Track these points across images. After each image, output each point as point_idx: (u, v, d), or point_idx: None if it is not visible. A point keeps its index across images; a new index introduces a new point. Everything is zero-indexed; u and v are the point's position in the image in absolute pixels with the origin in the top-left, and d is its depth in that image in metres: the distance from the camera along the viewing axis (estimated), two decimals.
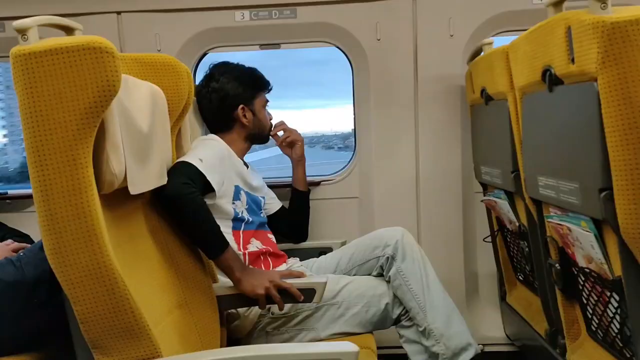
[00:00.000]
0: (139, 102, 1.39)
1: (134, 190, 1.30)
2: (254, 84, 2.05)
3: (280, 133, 2.21)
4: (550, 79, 1.31)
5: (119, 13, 2.24)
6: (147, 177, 1.41)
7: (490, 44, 1.94)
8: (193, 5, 2.24)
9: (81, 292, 1.11)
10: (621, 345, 1.32)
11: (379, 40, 2.24)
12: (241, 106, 2.00)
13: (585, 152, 1.19)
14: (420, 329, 1.78)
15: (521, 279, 2.11)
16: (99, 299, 1.12)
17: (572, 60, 1.18)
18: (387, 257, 1.84)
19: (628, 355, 1.30)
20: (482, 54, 1.99)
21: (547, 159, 1.42)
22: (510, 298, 2.17)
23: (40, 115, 1.07)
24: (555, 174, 1.36)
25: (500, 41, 1.99)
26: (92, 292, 1.11)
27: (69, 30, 1.34)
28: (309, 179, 2.29)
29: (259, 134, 2.09)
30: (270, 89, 2.12)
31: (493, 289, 2.36)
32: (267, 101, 2.12)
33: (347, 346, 1.15)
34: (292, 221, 2.22)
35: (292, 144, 2.21)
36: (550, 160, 1.40)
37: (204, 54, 2.39)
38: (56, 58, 1.07)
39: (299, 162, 2.22)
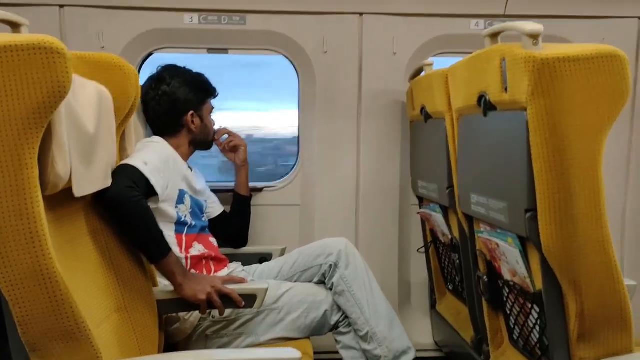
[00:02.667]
0: (86, 103, 1.37)
1: (78, 192, 1.29)
2: (203, 90, 2.05)
3: (224, 138, 2.23)
4: (485, 105, 1.41)
5: (61, 6, 2.18)
6: (91, 179, 1.39)
7: (431, 65, 2.05)
8: (141, 4, 2.21)
9: (21, 294, 1.09)
10: (540, 353, 1.43)
11: (325, 52, 2.30)
12: (191, 112, 2.00)
13: (513, 175, 1.29)
14: (362, 334, 1.84)
15: (451, 288, 2.22)
16: (39, 301, 1.10)
17: (506, 90, 1.28)
18: (330, 265, 1.89)
19: None
20: (423, 73, 2.09)
21: (479, 178, 1.52)
22: (440, 306, 2.28)
23: None
24: (486, 192, 1.46)
25: (440, 61, 2.12)
26: (33, 293, 1.09)
27: (14, 26, 1.31)
28: (251, 185, 2.31)
29: (204, 140, 2.10)
30: (217, 95, 2.13)
31: (424, 298, 2.47)
32: (213, 108, 2.13)
33: (291, 352, 1.19)
34: (233, 226, 2.23)
35: (235, 148, 2.23)
36: (482, 179, 1.50)
37: (149, 54, 2.37)
38: (4, 56, 1.05)
39: (242, 167, 2.24)
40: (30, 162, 1.08)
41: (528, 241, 1.33)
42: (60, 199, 1.30)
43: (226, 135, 2.22)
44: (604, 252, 1.18)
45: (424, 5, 2.29)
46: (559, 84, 1.14)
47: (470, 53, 2.40)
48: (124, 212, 1.52)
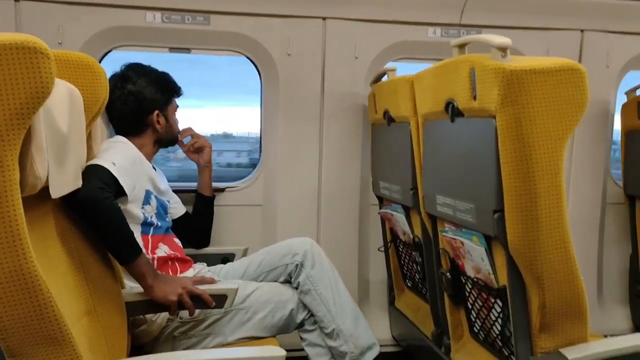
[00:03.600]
0: (58, 102, 1.34)
1: (55, 193, 1.26)
2: (169, 90, 2.04)
3: (187, 139, 2.22)
4: (453, 111, 1.49)
5: (17, 0, 2.11)
6: (65, 180, 1.36)
7: (394, 70, 2.12)
8: (101, 0, 2.17)
9: (3, 299, 1.07)
10: (501, 344, 1.53)
11: (289, 55, 2.34)
12: (157, 112, 1.99)
13: (481, 178, 1.37)
14: (327, 331, 1.88)
15: (410, 285, 2.31)
16: (21, 305, 1.08)
17: (474, 98, 1.36)
18: (296, 265, 1.93)
19: (506, 354, 1.51)
20: (386, 78, 2.16)
21: (446, 180, 1.60)
22: (399, 303, 2.36)
23: None
24: (453, 194, 1.55)
25: (400, 67, 2.20)
26: (14, 298, 1.07)
27: None
28: (213, 185, 2.31)
29: (169, 139, 2.09)
30: (181, 94, 2.12)
31: (382, 295, 2.55)
32: (177, 106, 2.12)
33: (275, 350, 1.22)
34: (195, 226, 2.23)
35: (199, 149, 2.22)
36: (449, 182, 1.58)
37: (108, 51, 2.32)
38: None
39: (205, 168, 2.24)
40: (12, 164, 1.06)
41: (493, 240, 1.42)
42: (30, 201, 1.27)
43: (190, 137, 2.22)
44: (565, 249, 1.28)
45: (384, 12, 2.36)
46: (526, 94, 1.23)
47: (428, 59, 2.54)
48: (96, 213, 1.50)
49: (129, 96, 1.96)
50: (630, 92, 2.56)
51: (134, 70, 1.99)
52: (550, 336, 1.34)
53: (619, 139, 2.64)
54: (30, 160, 1.13)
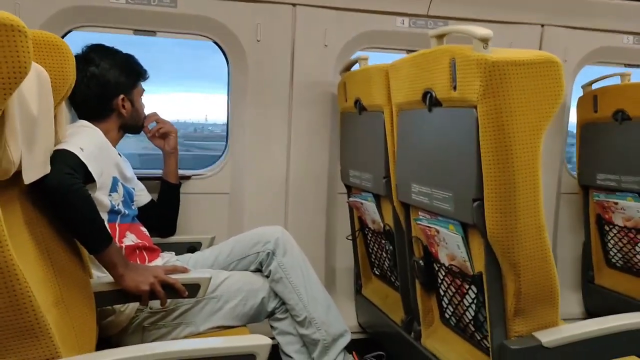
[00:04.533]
0: (28, 83, 1.27)
1: (27, 178, 1.20)
2: (135, 73, 1.97)
3: (152, 125, 2.16)
4: (431, 101, 1.50)
5: None
6: (34, 165, 1.30)
7: (366, 59, 2.13)
8: None
9: None
10: (473, 329, 1.57)
11: (258, 41, 2.30)
12: (122, 96, 1.92)
13: (461, 167, 1.40)
14: (299, 319, 1.88)
15: (377, 273, 2.34)
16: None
17: (454, 88, 1.38)
18: (268, 253, 1.91)
19: (478, 338, 1.56)
20: (358, 66, 2.16)
21: (422, 169, 1.63)
22: (366, 291, 2.39)
23: None
24: (430, 182, 1.57)
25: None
26: None
27: None
28: (179, 172, 2.26)
29: (134, 125, 2.03)
30: (147, 78, 2.05)
31: (348, 283, 2.57)
32: (144, 90, 2.05)
33: (261, 339, 1.21)
34: (161, 214, 2.18)
35: (165, 135, 2.17)
36: (425, 171, 1.61)
37: (68, 32, 2.22)
38: None
39: (171, 154, 2.18)
40: None
41: (470, 227, 1.46)
42: None
43: (155, 122, 2.15)
44: (540, 237, 1.33)
45: (354, 0, 2.36)
46: (506, 85, 1.26)
47: (396, 49, 2.55)
48: (65, 200, 1.44)
49: (92, 79, 1.88)
50: (586, 86, 2.66)
51: (96, 52, 1.91)
52: (524, 320, 1.39)
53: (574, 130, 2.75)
54: (4, 143, 1.08)
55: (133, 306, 1.74)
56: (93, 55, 1.90)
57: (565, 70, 2.60)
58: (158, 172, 2.25)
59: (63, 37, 2.20)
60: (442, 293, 1.72)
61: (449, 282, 1.65)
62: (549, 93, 1.29)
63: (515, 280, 1.35)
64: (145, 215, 2.09)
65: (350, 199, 2.29)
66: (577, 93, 2.76)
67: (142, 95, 2.04)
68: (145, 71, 2.03)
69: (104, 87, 1.89)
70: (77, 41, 2.08)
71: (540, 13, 2.58)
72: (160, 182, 2.21)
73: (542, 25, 2.61)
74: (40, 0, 2.06)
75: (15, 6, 2.02)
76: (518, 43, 2.58)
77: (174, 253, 2.03)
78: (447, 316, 1.73)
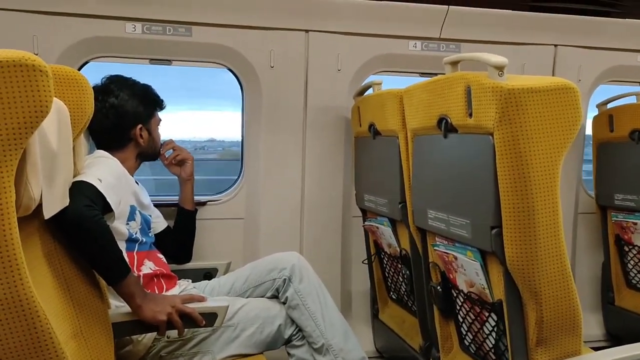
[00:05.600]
0: (48, 119, 1.29)
1: (47, 213, 1.22)
2: (152, 103, 2.00)
3: (169, 152, 2.18)
4: (446, 127, 1.50)
5: None
6: (54, 199, 1.31)
7: (380, 84, 2.13)
8: (80, 10, 2.10)
9: None
10: (494, 358, 1.55)
11: (272, 67, 2.32)
12: (139, 126, 1.94)
13: (478, 194, 1.39)
14: (316, 347, 1.87)
15: (394, 298, 2.32)
16: (18, 334, 1.03)
17: (470, 115, 1.38)
18: (284, 279, 1.91)
19: None
20: (371, 91, 2.17)
21: (439, 195, 1.62)
22: (383, 315, 2.36)
23: None
24: (447, 209, 1.56)
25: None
26: (11, 326, 1.02)
27: None
28: (194, 198, 2.27)
29: (151, 153, 2.05)
30: (164, 108, 2.08)
31: (365, 307, 2.55)
32: (160, 120, 2.07)
33: None
34: (177, 241, 2.18)
35: (181, 162, 2.18)
36: (442, 197, 1.60)
37: (85, 62, 2.26)
38: None
39: (187, 181, 2.20)
40: (8, 185, 1.01)
41: (488, 254, 1.44)
42: (18, 222, 1.22)
43: (171, 150, 2.17)
44: (561, 265, 1.31)
45: (366, 25, 2.38)
46: (523, 112, 1.26)
47: (409, 72, 2.56)
48: (84, 232, 1.45)
49: (110, 110, 1.90)
50: (601, 105, 2.65)
51: (115, 83, 1.94)
52: (546, 350, 1.36)
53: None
54: (25, 180, 1.09)
55: (150, 335, 1.74)
56: (112, 86, 1.93)
57: (579, 90, 2.65)
58: (173, 198, 2.26)
59: (81, 67, 2.24)
60: (460, 320, 1.70)
61: (467, 309, 1.63)
62: (567, 119, 1.28)
63: (536, 309, 1.33)
64: (162, 241, 2.10)
65: (366, 223, 2.28)
66: (592, 112, 2.74)
67: (159, 124, 2.06)
68: (162, 101, 2.05)
69: (123, 117, 1.91)
70: (96, 71, 2.12)
71: (553, 33, 2.58)
72: (177, 209, 2.22)
73: (556, 46, 2.61)
74: (58, 32, 2.10)
75: (33, 38, 2.06)
76: (531, 64, 2.58)
77: (190, 280, 2.03)
78: (467, 343, 1.70)
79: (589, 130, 2.72)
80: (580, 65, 2.62)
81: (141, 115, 1.95)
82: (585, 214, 2.80)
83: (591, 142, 2.70)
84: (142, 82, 2.03)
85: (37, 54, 2.05)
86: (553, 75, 2.63)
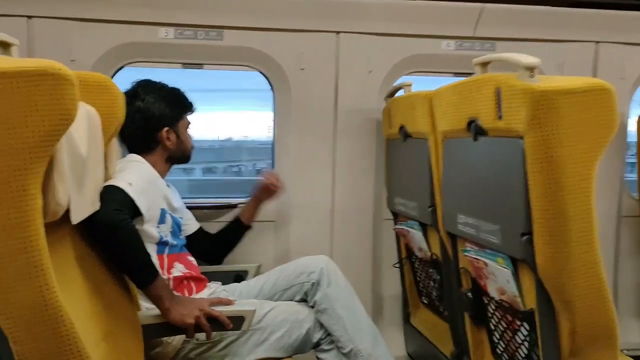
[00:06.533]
0: (77, 125, 1.32)
1: (75, 218, 1.24)
2: (179, 106, 2.01)
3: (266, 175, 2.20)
4: (476, 130, 1.46)
5: (29, 17, 2.09)
6: (84, 204, 1.34)
7: (410, 85, 2.10)
8: (114, 17, 2.15)
9: (23, 332, 1.04)
10: None
11: (302, 69, 2.32)
12: (166, 128, 1.95)
13: (508, 199, 1.34)
14: (345, 351, 1.85)
15: (425, 302, 2.28)
16: (43, 339, 1.05)
17: (500, 117, 1.34)
18: (313, 283, 1.90)
19: None
20: (402, 93, 2.14)
21: (468, 200, 1.58)
22: (415, 320, 2.33)
23: None
24: (476, 214, 1.52)
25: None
26: (36, 331, 1.04)
27: (5, 46, 1.25)
28: (224, 201, 2.29)
29: (181, 156, 2.05)
30: (194, 111, 2.09)
31: (396, 311, 2.52)
32: (190, 123, 2.09)
33: None
34: (217, 246, 2.19)
35: (271, 192, 2.20)
36: (472, 201, 1.55)
37: (120, 68, 2.30)
38: (10, 82, 1.00)
39: (261, 203, 2.20)
40: (35, 192, 1.04)
41: (519, 262, 1.39)
42: (48, 226, 1.25)
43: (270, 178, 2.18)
44: (595, 273, 1.25)
45: (397, 25, 2.35)
46: (555, 115, 1.21)
47: (442, 72, 2.52)
48: (113, 237, 1.48)
49: (137, 113, 1.92)
50: None
51: (142, 87, 1.96)
52: None
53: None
54: (53, 187, 1.11)
55: (180, 337, 1.76)
56: (139, 90, 1.96)
57: (622, 89, 2.54)
58: (205, 200, 2.29)
59: (115, 73, 2.29)
60: (492, 327, 1.65)
61: (499, 317, 1.58)
62: (602, 122, 1.23)
63: (569, 319, 1.28)
64: (194, 243, 2.12)
65: (397, 226, 2.25)
66: (636, 110, 2.63)
67: (187, 127, 2.07)
68: (190, 104, 2.06)
69: (148, 120, 1.93)
70: (131, 77, 2.15)
71: (594, 30, 2.49)
72: (233, 220, 2.21)
73: (597, 42, 2.51)
74: (93, 39, 2.15)
75: (69, 46, 2.12)
76: (571, 62, 2.49)
77: (220, 283, 2.05)
78: (499, 352, 1.65)
79: (633, 130, 2.61)
80: (622, 62, 2.51)
81: (167, 117, 1.96)
82: (629, 217, 2.68)
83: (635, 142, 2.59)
84: (171, 85, 2.04)
85: (73, 61, 2.13)
86: (594, 73, 2.53)
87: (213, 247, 2.18)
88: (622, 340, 2.63)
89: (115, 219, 1.48)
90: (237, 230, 2.20)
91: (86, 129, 1.37)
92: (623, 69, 2.52)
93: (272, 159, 2.49)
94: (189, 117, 2.08)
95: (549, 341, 1.32)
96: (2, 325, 1.04)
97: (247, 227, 2.22)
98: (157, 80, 2.04)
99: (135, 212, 1.65)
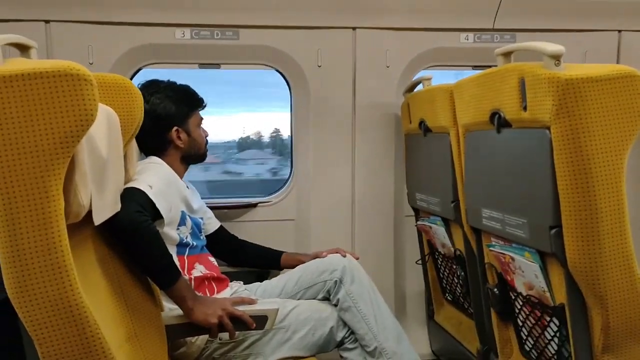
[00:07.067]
0: (97, 126, 1.32)
1: (97, 219, 1.24)
2: (187, 103, 1.97)
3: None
4: (499, 122, 1.43)
5: (47, 22, 2.11)
6: (105, 205, 1.34)
7: (429, 79, 2.07)
8: (131, 19, 2.16)
9: (48, 333, 1.04)
10: None
11: (319, 66, 2.30)
12: (175, 128, 1.93)
13: (535, 192, 1.31)
14: (369, 349, 1.83)
15: (450, 299, 2.24)
16: (69, 340, 1.05)
17: (525, 108, 1.30)
18: (335, 281, 1.88)
19: None
20: (421, 87, 2.11)
21: (493, 193, 1.54)
22: (439, 317, 2.30)
23: (9, 142, 0.99)
24: (502, 208, 1.48)
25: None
26: (61, 332, 1.04)
27: (23, 49, 1.25)
28: (244, 200, 2.28)
29: (195, 154, 2.02)
30: (204, 106, 2.05)
31: (420, 308, 2.49)
32: (202, 119, 2.05)
33: None
34: (241, 254, 2.16)
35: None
36: (496, 195, 1.52)
37: (139, 69, 2.31)
38: (30, 83, 1.00)
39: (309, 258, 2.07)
40: (57, 193, 1.04)
41: (547, 255, 1.36)
42: (70, 228, 1.25)
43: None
44: (628, 266, 1.21)
45: (415, 19, 2.32)
46: (583, 104, 1.17)
47: (461, 66, 2.48)
48: (135, 238, 1.47)
49: (144, 116, 1.91)
50: None
51: (146, 89, 1.93)
52: (614, 357, 1.27)
53: None
54: (74, 188, 1.11)
55: (203, 337, 1.75)
56: (144, 92, 1.90)
57: None
58: (224, 200, 2.28)
59: (134, 74, 2.30)
60: (520, 324, 1.61)
61: (527, 313, 1.55)
62: (631, 109, 1.19)
63: (602, 314, 1.24)
64: (214, 242, 2.11)
65: (419, 222, 2.22)
66: None
67: (199, 124, 2.02)
68: (199, 101, 2.00)
69: (156, 122, 1.90)
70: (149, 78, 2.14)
71: (617, 18, 2.43)
72: (275, 254, 2.13)
73: (619, 31, 2.45)
74: (111, 41, 2.16)
75: (88, 48, 2.13)
76: (594, 52, 2.44)
77: (242, 282, 2.04)
78: (527, 349, 1.62)
79: None
80: None
81: (174, 116, 1.93)
82: None
83: None
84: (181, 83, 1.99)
85: (92, 63, 2.14)
86: (618, 62, 2.47)
87: (237, 252, 2.16)
88: None
89: (136, 221, 1.48)
90: (269, 263, 2.15)
91: (106, 130, 1.37)
92: None
93: (290, 157, 2.48)
94: (201, 114, 2.03)
95: (581, 337, 1.29)
96: (27, 326, 1.04)
97: (280, 267, 2.14)
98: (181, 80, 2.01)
99: (156, 215, 1.65)
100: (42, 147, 1.01)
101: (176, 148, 1.96)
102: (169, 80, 2.01)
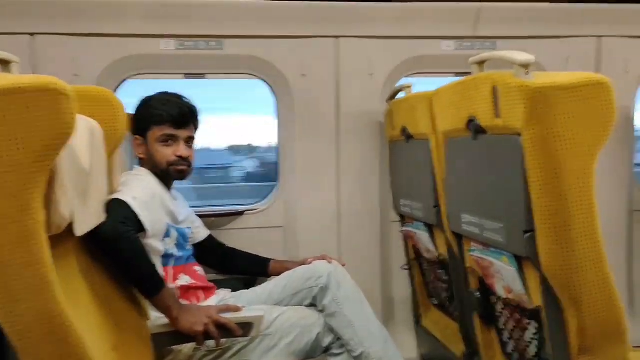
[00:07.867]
0: (79, 138, 1.34)
1: (80, 230, 1.26)
2: (146, 115, 1.94)
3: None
4: (475, 128, 1.46)
5: (32, 35, 2.13)
6: (88, 216, 1.36)
7: (410, 87, 2.10)
8: (116, 31, 2.18)
9: (32, 344, 1.05)
10: None
11: (304, 75, 2.33)
12: (135, 136, 1.95)
13: (509, 197, 1.34)
14: (355, 355, 1.85)
15: (435, 303, 2.27)
16: (52, 350, 1.07)
17: (498, 115, 1.33)
18: (321, 287, 1.90)
19: None
20: (403, 94, 2.14)
21: (471, 199, 1.57)
22: (426, 321, 2.32)
23: None
24: (479, 213, 1.51)
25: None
26: (45, 343, 1.06)
27: (4, 64, 1.27)
28: (231, 208, 2.30)
29: (158, 170, 1.93)
30: (168, 122, 1.91)
31: (407, 313, 2.50)
32: (163, 135, 1.91)
33: None
34: (230, 262, 2.19)
35: None
36: (474, 200, 1.55)
37: (123, 81, 2.33)
38: (8, 99, 1.02)
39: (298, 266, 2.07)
40: (37, 207, 1.05)
41: (524, 259, 1.39)
42: (52, 239, 1.26)
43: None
44: (600, 269, 1.24)
45: (397, 27, 2.35)
46: (552, 111, 1.20)
47: (443, 73, 2.51)
48: (118, 249, 1.49)
49: None
50: None
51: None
52: (591, 358, 1.30)
53: None
54: (55, 200, 1.13)
55: (190, 346, 1.77)
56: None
57: (627, 82, 2.52)
58: (213, 209, 2.30)
59: (118, 86, 2.31)
60: (501, 327, 1.64)
61: (508, 316, 1.57)
62: (599, 116, 1.22)
63: (577, 316, 1.26)
64: (203, 251, 2.13)
65: (404, 228, 2.24)
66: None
67: (158, 140, 1.92)
68: (161, 116, 1.91)
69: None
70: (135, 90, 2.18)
71: (596, 24, 2.48)
72: (263, 261, 2.15)
73: (599, 37, 2.50)
74: (96, 53, 2.18)
75: (73, 60, 2.15)
76: (575, 58, 2.48)
77: (229, 290, 2.05)
78: (510, 351, 1.64)
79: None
80: (626, 56, 2.50)
81: (134, 125, 1.94)
82: None
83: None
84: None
85: (77, 76, 2.16)
86: (598, 68, 2.51)
87: (225, 260, 2.19)
88: (638, 336, 2.61)
89: (119, 231, 1.50)
90: (257, 270, 2.17)
91: (88, 142, 1.39)
92: (627, 62, 2.50)
93: (276, 165, 2.50)
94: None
95: (558, 338, 1.31)
96: (11, 337, 1.06)
97: (268, 274, 2.15)
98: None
99: (140, 227, 1.67)
100: (22, 163, 1.03)
101: (140, 160, 1.97)
102: (156, 93, 2.02)
